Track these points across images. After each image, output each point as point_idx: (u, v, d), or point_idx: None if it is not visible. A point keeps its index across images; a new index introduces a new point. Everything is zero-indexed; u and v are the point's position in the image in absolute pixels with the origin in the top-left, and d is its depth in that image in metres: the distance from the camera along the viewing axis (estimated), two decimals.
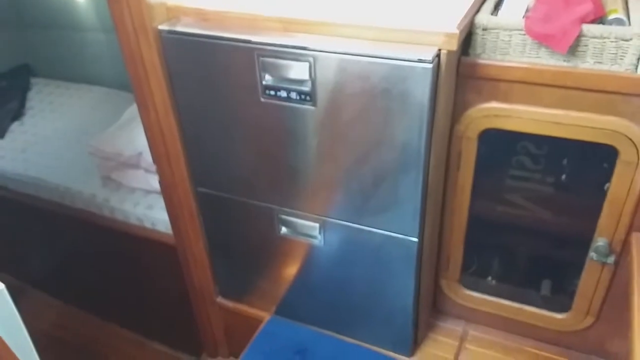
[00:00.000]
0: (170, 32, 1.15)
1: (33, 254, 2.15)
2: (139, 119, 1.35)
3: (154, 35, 1.15)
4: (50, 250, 2.09)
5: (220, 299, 1.65)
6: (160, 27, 1.15)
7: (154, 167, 1.47)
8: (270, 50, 1.07)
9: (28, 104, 2.43)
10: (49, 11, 2.33)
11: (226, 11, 1.13)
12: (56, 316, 2.17)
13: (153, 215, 1.75)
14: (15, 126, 2.30)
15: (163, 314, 1.95)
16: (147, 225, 1.77)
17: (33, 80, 2.55)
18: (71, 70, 2.48)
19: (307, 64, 1.05)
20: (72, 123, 2.26)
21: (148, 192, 1.83)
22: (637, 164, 1.08)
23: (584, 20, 1.01)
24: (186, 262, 1.59)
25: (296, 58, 1.05)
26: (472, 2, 1.07)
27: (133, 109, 1.93)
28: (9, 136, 2.25)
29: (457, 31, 0.96)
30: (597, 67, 1.02)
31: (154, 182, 1.73)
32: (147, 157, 1.72)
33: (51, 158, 2.06)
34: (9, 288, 0.71)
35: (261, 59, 1.08)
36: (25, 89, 2.49)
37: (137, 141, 1.77)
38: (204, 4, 1.15)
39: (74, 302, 2.21)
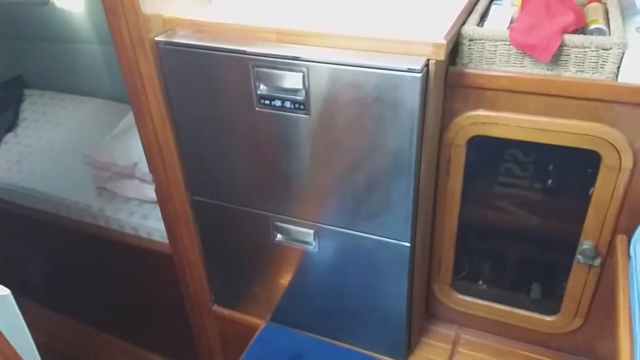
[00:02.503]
0: (166, 43, 1.17)
1: (27, 265, 2.14)
2: (134, 130, 1.36)
3: (151, 47, 1.18)
4: (45, 260, 2.09)
5: (215, 307, 1.66)
6: (157, 38, 1.18)
7: (149, 177, 1.48)
8: (264, 60, 1.10)
9: (22, 115, 2.44)
10: (43, 23, 2.34)
11: (221, 22, 1.16)
12: (50, 327, 2.16)
13: (148, 224, 1.76)
14: (9, 137, 2.31)
15: (158, 324, 1.95)
16: (143, 234, 1.78)
17: (27, 91, 2.55)
18: (64, 82, 2.49)
19: (300, 74, 1.08)
20: (66, 134, 2.28)
21: (143, 201, 1.84)
22: (620, 168, 1.11)
23: (566, 30, 1.05)
24: (182, 271, 1.60)
25: (290, 68, 1.08)
26: (458, 14, 1.11)
27: (128, 120, 1.95)
28: (3, 147, 2.26)
29: (444, 42, 0.99)
30: (579, 75, 1.05)
31: (149, 192, 1.74)
32: (142, 167, 1.74)
33: (46, 169, 2.07)
34: None
35: (256, 69, 1.11)
36: (19, 101, 2.49)
37: (132, 151, 1.78)
38: (200, 15, 1.18)
39: (68, 312, 2.21)
